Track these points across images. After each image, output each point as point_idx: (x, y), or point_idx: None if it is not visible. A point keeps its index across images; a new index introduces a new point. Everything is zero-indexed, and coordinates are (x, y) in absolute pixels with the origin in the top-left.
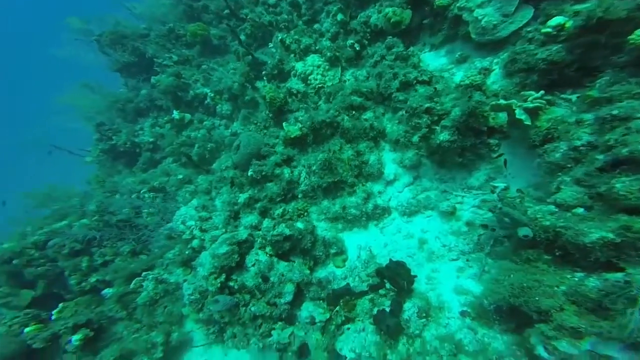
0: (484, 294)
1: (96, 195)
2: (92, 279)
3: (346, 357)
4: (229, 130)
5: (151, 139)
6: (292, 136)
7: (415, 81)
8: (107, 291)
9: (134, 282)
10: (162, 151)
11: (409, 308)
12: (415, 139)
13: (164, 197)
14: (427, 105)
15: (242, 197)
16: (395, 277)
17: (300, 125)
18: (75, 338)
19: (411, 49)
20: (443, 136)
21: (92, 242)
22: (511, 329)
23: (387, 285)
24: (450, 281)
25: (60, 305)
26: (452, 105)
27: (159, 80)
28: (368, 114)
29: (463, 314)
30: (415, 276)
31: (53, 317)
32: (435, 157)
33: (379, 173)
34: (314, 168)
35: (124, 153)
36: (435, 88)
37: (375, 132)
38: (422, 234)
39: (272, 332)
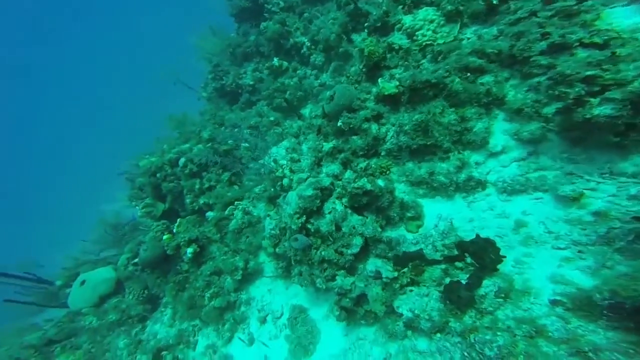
0: (599, 288)
1: (208, 126)
2: (201, 201)
3: (402, 315)
4: (318, 81)
5: (251, 82)
6: (386, 93)
7: (577, 43)
8: (210, 214)
9: (228, 209)
10: (259, 94)
11: (488, 285)
12: (549, 110)
13: (258, 135)
14: (588, 72)
15: (327, 146)
16: (481, 254)
17: (397, 83)
18: (189, 251)
19: (589, 2)
20: (602, 110)
21: (212, 166)
22: (623, 327)
23: (468, 260)
24: (547, 269)
25: (179, 220)
26: (638, 74)
27: (266, 27)
28: (486, 78)
29: (554, 302)
30: (505, 257)
31: (175, 230)
32: (571, 133)
33: (482, 142)
34: (406, 128)
35: (229, 92)
36: (613, 52)
37: (491, 98)
38: (521, 216)
39: (336, 277)
